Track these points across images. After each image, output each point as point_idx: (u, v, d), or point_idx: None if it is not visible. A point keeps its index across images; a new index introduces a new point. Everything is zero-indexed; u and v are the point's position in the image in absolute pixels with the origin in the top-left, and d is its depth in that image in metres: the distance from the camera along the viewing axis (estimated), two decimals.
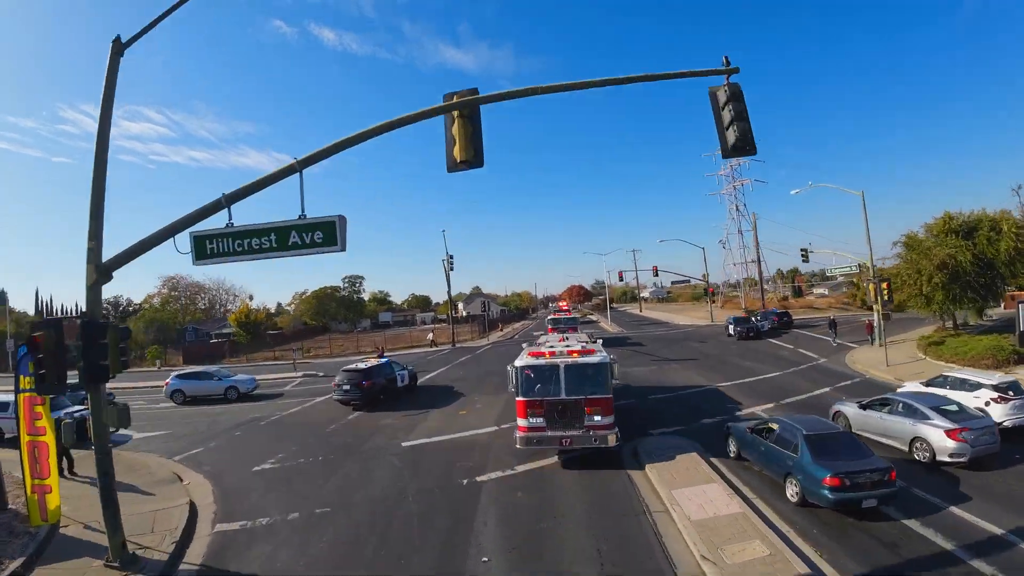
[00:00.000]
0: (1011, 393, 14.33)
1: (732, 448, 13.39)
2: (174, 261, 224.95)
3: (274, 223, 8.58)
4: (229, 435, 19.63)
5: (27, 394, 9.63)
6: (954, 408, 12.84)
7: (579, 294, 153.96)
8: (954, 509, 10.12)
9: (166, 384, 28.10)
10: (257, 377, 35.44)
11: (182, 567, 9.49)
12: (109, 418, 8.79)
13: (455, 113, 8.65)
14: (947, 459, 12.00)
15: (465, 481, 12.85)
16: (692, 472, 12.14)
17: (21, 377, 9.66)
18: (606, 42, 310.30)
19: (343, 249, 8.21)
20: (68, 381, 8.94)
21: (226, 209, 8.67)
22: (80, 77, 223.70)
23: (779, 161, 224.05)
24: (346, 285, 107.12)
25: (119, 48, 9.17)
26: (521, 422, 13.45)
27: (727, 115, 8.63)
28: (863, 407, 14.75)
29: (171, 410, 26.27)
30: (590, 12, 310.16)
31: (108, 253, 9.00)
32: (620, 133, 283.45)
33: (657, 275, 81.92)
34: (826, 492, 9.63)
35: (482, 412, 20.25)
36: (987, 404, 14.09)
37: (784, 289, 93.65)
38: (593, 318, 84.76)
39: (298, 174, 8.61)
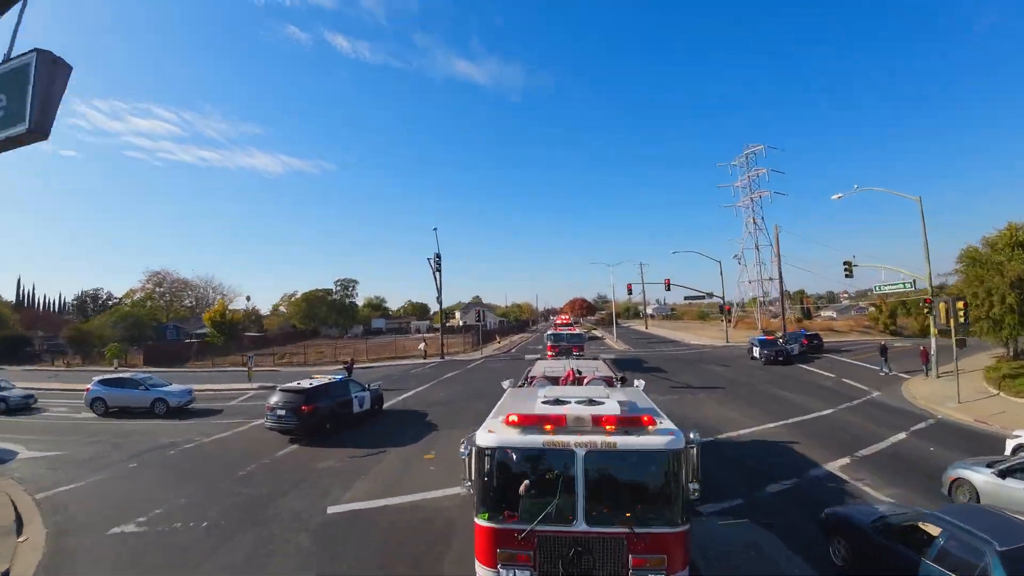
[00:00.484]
0: None
1: (841, 553, 8.33)
2: (165, 257, 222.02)
3: None
4: (123, 467, 14.99)
5: None
6: None
7: (582, 307, 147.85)
8: None
9: (87, 390, 23.32)
10: (208, 387, 30.73)
11: None
12: None
13: None
14: None
15: None
16: None
17: None
18: (617, 62, 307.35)
19: (39, 132, 3.64)
20: None
21: None
22: (75, 72, 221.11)
23: (796, 172, 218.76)
24: (338, 288, 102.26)
25: None
26: (484, 573, 6.49)
27: None
28: (1001, 474, 10.08)
29: (86, 423, 21.56)
30: (602, 30, 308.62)
31: None
32: (626, 145, 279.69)
33: (669, 289, 76.67)
34: None
35: (453, 457, 13.51)
36: None
37: (791, 310, 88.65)
38: (598, 334, 78.74)
39: None
